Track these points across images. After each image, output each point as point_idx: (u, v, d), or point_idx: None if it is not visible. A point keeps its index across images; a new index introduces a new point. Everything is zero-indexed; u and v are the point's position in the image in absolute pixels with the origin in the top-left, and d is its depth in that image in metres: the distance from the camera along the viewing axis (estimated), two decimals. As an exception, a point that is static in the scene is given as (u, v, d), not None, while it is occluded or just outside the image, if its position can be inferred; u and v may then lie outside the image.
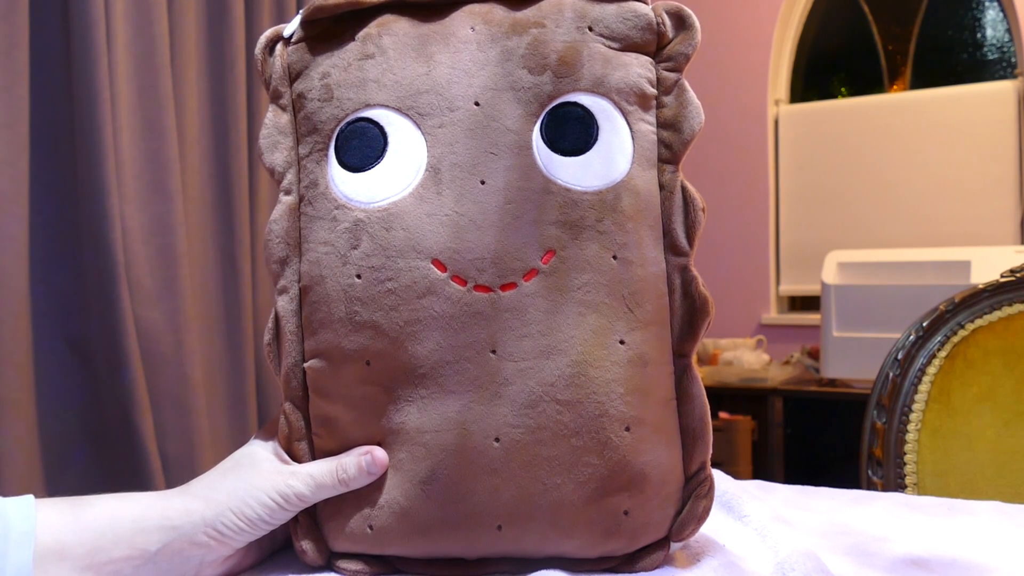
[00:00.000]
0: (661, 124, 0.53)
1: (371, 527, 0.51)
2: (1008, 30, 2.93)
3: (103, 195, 1.30)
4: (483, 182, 0.51)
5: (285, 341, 0.53)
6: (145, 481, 1.34)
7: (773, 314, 3.14)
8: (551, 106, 0.51)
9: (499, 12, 0.54)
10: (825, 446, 2.71)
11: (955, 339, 1.00)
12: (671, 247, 0.52)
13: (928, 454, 0.99)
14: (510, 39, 0.53)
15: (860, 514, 0.66)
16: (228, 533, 0.49)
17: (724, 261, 3.11)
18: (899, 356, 1.01)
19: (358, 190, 0.52)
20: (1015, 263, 1.02)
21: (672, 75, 0.53)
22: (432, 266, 0.50)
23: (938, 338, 1.00)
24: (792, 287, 3.14)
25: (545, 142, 0.51)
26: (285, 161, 0.54)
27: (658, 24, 0.53)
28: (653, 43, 0.53)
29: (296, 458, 0.53)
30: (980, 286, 1.01)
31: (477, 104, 0.52)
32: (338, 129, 0.53)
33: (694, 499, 0.51)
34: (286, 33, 0.56)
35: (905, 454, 0.99)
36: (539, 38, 0.52)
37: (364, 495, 0.51)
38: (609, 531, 0.50)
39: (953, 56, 3.06)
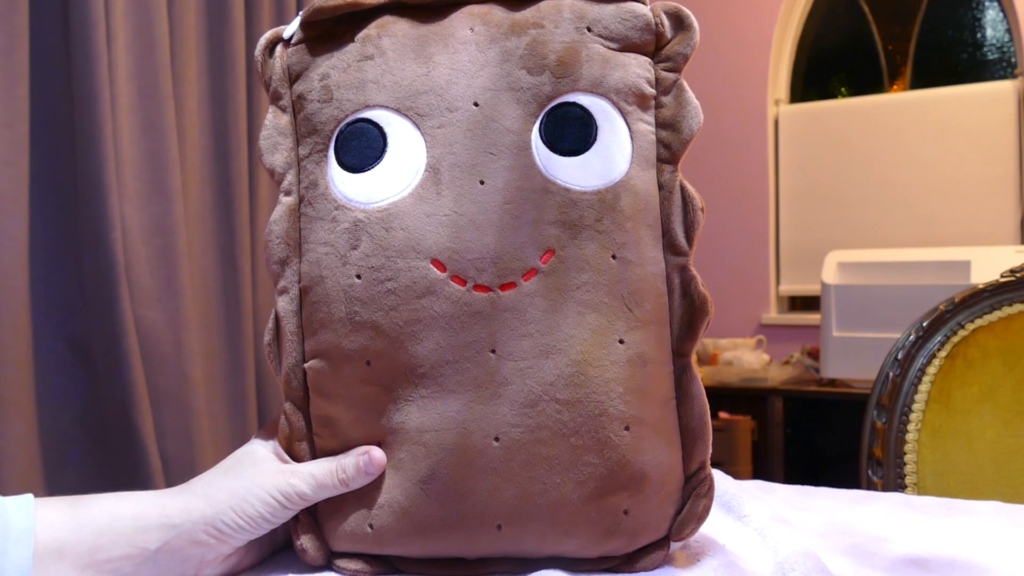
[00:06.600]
0: (660, 124, 0.53)
1: (371, 526, 0.51)
2: (1008, 30, 2.93)
3: (103, 195, 1.30)
4: (482, 182, 0.51)
5: (285, 341, 0.53)
6: (145, 481, 1.34)
7: (773, 314, 3.14)
8: (550, 106, 0.52)
9: (498, 13, 0.54)
10: (825, 446, 2.71)
11: (955, 339, 1.00)
12: (670, 247, 0.52)
13: (928, 454, 0.99)
14: (509, 40, 0.53)
15: (860, 514, 0.66)
16: (228, 531, 0.49)
17: (724, 261, 3.11)
18: (899, 356, 1.01)
19: (358, 190, 0.52)
20: (1015, 263, 1.02)
21: (671, 75, 0.53)
22: (432, 266, 0.50)
23: (938, 338, 1.00)
24: (792, 287, 3.14)
25: (544, 142, 0.51)
26: (285, 162, 0.54)
27: (656, 24, 0.53)
28: (652, 43, 0.54)
29: (297, 458, 0.53)
30: (980, 286, 1.01)
31: (476, 105, 0.52)
32: (338, 130, 0.53)
33: (694, 498, 0.51)
34: (286, 35, 0.56)
35: (905, 454, 0.99)
36: (538, 39, 0.52)
37: (364, 494, 0.51)
38: (609, 530, 0.50)
39: (953, 56, 3.06)
